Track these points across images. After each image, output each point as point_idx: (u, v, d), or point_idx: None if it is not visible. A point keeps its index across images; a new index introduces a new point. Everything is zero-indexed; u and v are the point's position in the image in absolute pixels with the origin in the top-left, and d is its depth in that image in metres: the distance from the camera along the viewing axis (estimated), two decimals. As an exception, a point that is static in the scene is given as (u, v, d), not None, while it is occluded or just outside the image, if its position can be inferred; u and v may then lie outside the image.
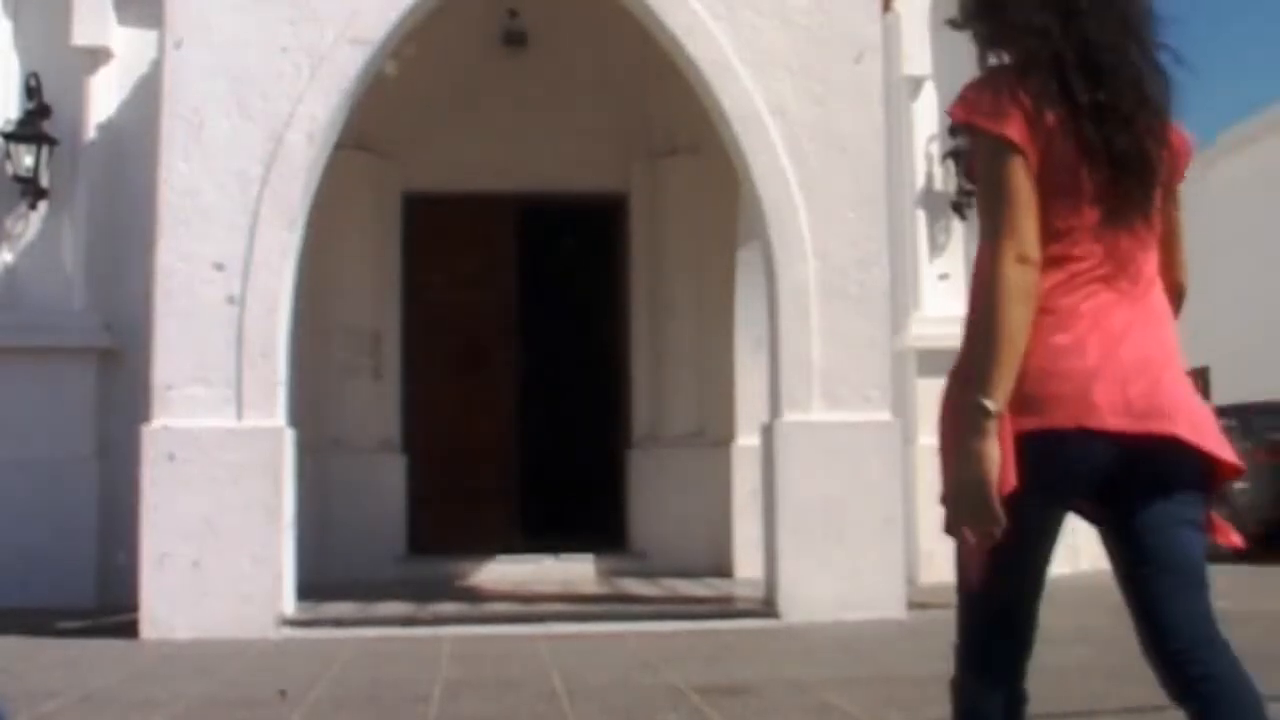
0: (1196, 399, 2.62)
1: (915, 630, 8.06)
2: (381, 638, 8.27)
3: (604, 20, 10.59)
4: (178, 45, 8.66)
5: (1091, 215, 2.53)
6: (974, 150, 2.60)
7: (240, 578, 8.21)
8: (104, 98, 10.61)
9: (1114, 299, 2.55)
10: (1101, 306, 2.53)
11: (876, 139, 9.04)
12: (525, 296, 12.99)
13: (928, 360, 11.60)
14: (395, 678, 6.85)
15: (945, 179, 11.86)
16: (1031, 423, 2.46)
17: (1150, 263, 2.63)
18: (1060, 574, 11.76)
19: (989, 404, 2.43)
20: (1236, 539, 2.72)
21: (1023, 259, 2.45)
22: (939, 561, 10.94)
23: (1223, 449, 2.57)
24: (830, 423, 8.73)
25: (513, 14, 12.29)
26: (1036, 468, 2.47)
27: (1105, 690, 6.02)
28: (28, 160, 10.33)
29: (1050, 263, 2.51)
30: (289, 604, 8.46)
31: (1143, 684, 6.23)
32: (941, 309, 11.81)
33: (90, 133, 10.53)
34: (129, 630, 8.17)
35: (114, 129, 10.55)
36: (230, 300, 8.46)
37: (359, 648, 7.80)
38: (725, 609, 9.24)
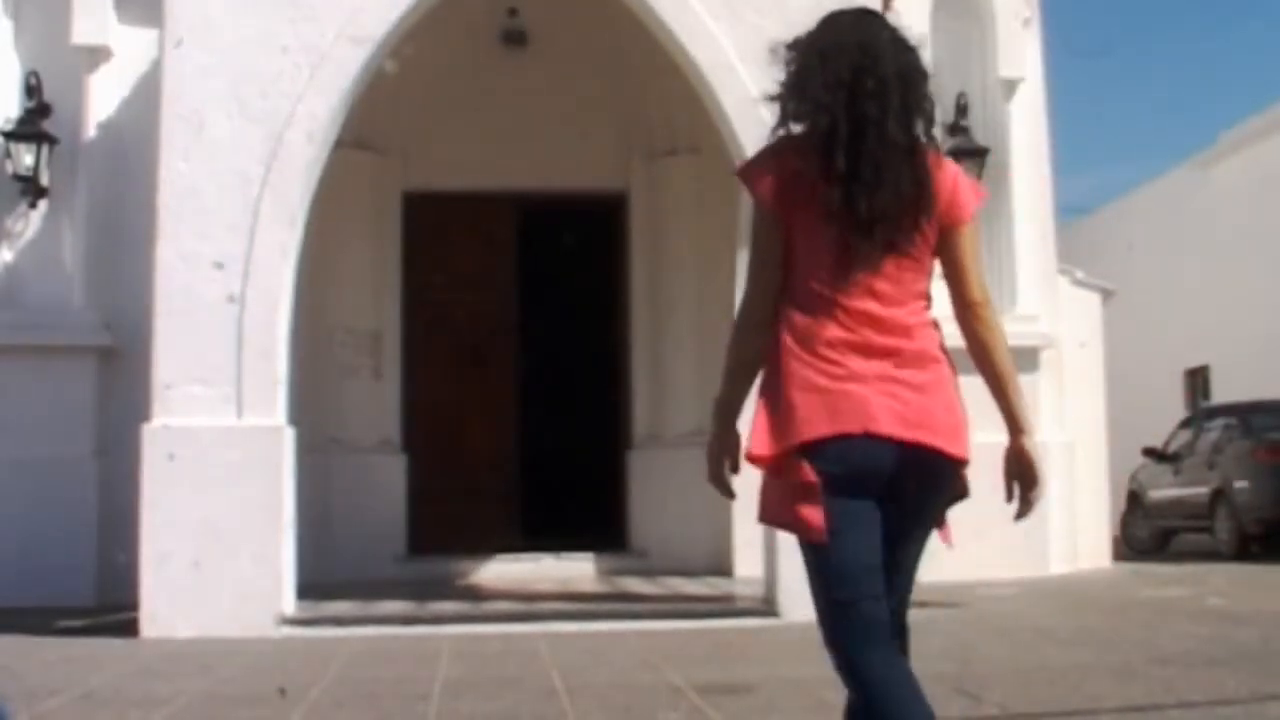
0: (953, 415, 3.02)
1: (914, 628, 8.04)
2: (381, 636, 8.27)
3: (604, 19, 10.60)
4: (178, 44, 8.66)
5: (848, 268, 2.97)
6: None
7: (240, 577, 8.21)
8: (104, 96, 10.61)
9: (879, 331, 2.97)
10: (867, 340, 2.96)
11: (876, 138, 9.03)
12: (525, 296, 12.99)
13: (927, 359, 11.60)
14: (395, 676, 6.86)
15: (945, 178, 11.85)
16: (830, 429, 2.91)
17: (908, 295, 3.03)
18: (1060, 573, 11.71)
19: (721, 405, 3.11)
20: (951, 539, 3.22)
21: (759, 294, 3.03)
22: (939, 560, 10.95)
23: (966, 457, 3.04)
24: (830, 422, 8.70)
25: (512, 13, 12.30)
26: (837, 461, 2.92)
27: (1106, 690, 6.02)
28: (28, 159, 10.34)
29: (825, 303, 2.98)
30: (289, 603, 8.46)
31: (1143, 684, 6.25)
32: (942, 307, 11.79)
33: (90, 131, 10.54)
34: (129, 629, 8.17)
35: (114, 128, 10.55)
36: (230, 299, 8.46)
37: (359, 646, 7.80)
38: (725, 608, 9.24)
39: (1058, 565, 11.54)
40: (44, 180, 10.40)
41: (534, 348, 13.12)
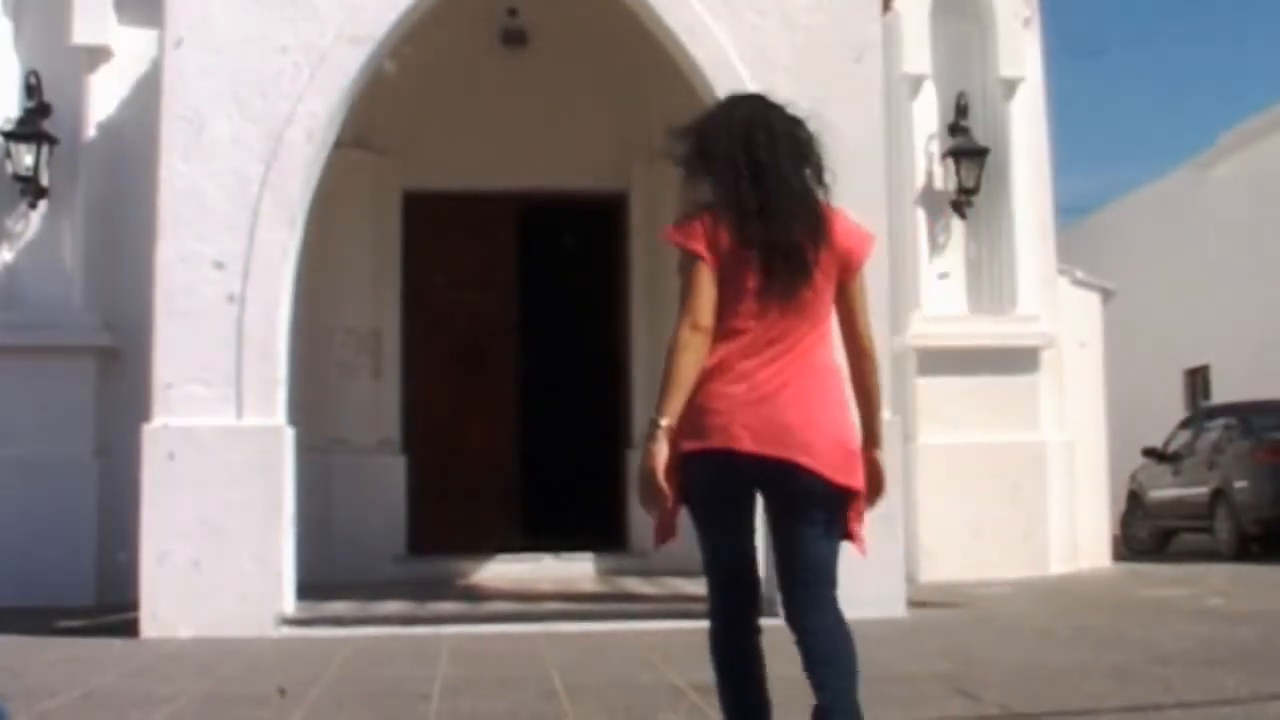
0: (830, 434, 3.58)
1: (915, 629, 8.07)
2: (381, 637, 8.28)
3: (604, 19, 10.59)
4: (178, 44, 8.66)
5: (754, 301, 3.61)
6: (680, 258, 3.71)
7: (240, 577, 8.22)
8: (104, 96, 10.61)
9: (765, 360, 3.59)
10: (754, 366, 3.59)
11: (876, 138, 9.03)
12: (525, 296, 12.99)
13: (928, 359, 11.59)
14: (395, 676, 6.86)
15: (945, 178, 11.86)
16: (698, 445, 3.56)
17: (807, 331, 3.64)
18: (1060, 573, 11.69)
19: (661, 421, 3.54)
20: (863, 549, 3.70)
21: (694, 326, 3.59)
22: (939, 560, 10.96)
23: (837, 474, 3.57)
24: (830, 422, 8.71)
25: (512, 13, 12.30)
26: (703, 474, 3.58)
27: (1105, 690, 6.02)
28: (28, 159, 10.33)
29: (727, 334, 3.61)
30: (289, 603, 8.46)
31: (1143, 683, 6.25)
32: (941, 307, 11.81)
33: (90, 131, 10.53)
34: (129, 629, 8.18)
35: (114, 128, 10.55)
36: (230, 299, 8.46)
37: (358, 646, 7.80)
38: (725, 608, 9.23)
39: (1057, 565, 11.54)
40: (44, 180, 10.39)
41: (534, 348, 13.11)
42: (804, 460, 3.52)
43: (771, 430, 3.53)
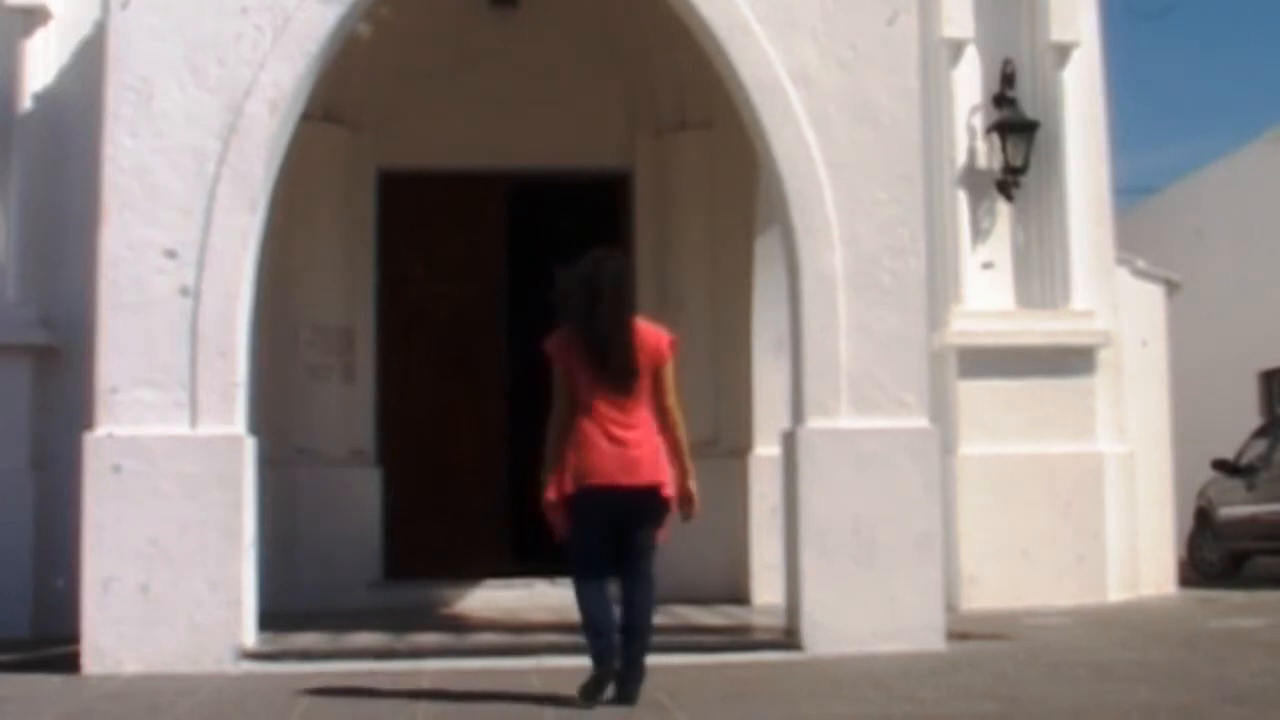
0: (658, 467, 6.66)
1: (955, 664, 8.07)
2: (353, 672, 8.27)
3: (605, -24, 10.61)
4: (124, 4, 8.66)
5: (602, 388, 6.63)
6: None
7: (194, 605, 8.22)
8: (41, 64, 10.60)
9: (621, 427, 6.61)
10: (611, 431, 6.60)
11: (912, 110, 9.03)
12: (516, 288, 13.00)
13: (970, 359, 11.60)
14: (369, 717, 6.87)
15: (989, 155, 11.86)
16: (590, 482, 6.55)
17: (636, 405, 6.67)
18: (1119, 601, 11.71)
19: (546, 476, 6.73)
20: (667, 539, 6.80)
21: (559, 420, 6.70)
22: (983, 586, 10.95)
23: (664, 488, 6.65)
24: (860, 430, 8.72)
25: (502, -31, 12.31)
26: (588, 500, 6.57)
27: (1170, 732, 6.02)
28: (-45, 135, 10.34)
29: (589, 410, 6.61)
30: (249, 634, 8.47)
31: (1212, 725, 6.21)
32: (985, 302, 11.81)
33: (25, 103, 10.54)
34: (69, 664, 8.18)
35: (53, 99, 10.55)
36: (184, 292, 8.47)
37: (328, 683, 7.80)
38: (741, 640, 9.24)
39: (1116, 592, 11.54)
40: (-27, 158, 10.41)
41: (526, 347, 13.06)
42: (648, 480, 6.58)
43: (630, 469, 6.55)
